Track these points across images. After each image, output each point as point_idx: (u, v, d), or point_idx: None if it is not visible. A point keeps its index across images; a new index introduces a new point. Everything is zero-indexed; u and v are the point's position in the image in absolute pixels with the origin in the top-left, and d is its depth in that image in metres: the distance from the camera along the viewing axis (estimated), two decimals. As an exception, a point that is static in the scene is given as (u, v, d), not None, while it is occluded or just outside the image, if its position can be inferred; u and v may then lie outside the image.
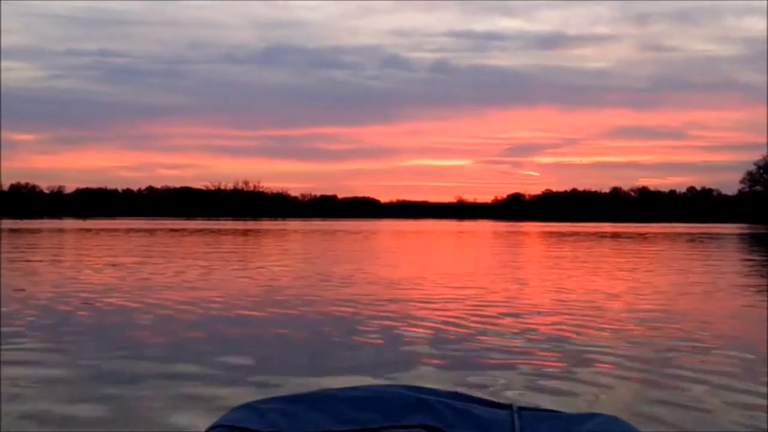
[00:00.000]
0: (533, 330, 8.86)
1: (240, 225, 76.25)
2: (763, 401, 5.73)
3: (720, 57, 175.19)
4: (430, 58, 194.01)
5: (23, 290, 12.38)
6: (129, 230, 53.32)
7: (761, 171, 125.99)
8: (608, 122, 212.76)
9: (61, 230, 52.20)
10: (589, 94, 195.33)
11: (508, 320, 9.63)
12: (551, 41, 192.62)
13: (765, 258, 26.20)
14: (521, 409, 1.09)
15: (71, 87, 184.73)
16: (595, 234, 54.30)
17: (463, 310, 10.46)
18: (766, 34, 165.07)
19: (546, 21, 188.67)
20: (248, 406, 1.11)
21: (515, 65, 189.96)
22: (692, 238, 45.85)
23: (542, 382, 6.28)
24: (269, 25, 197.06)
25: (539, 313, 10.36)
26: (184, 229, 56.32)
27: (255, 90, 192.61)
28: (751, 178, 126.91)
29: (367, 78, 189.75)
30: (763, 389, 6.08)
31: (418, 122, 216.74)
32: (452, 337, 8.26)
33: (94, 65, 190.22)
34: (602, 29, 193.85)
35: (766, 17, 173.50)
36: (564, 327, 9.04)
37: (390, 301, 11.41)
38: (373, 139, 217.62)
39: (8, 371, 6.26)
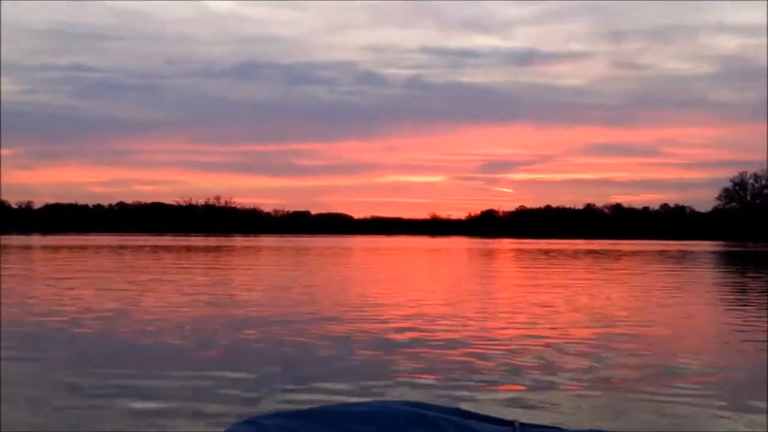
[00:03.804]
0: (526, 351, 8.20)
1: (208, 241, 74.66)
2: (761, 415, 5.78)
3: (693, 75, 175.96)
4: (405, 74, 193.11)
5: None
6: (74, 247, 51.62)
7: (737, 188, 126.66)
8: (582, 139, 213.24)
9: (7, 247, 50.38)
10: (564, 111, 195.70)
11: (499, 338, 8.77)
12: (526, 58, 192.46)
13: (748, 276, 25.47)
14: (523, 425, 1.08)
15: (44, 101, 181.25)
16: (572, 251, 53.55)
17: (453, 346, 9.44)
18: (738, 52, 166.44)
19: (521, 38, 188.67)
20: (250, 422, 1.08)
21: (490, 82, 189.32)
22: (681, 256, 45.25)
23: (542, 399, 6.30)
24: (245, 41, 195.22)
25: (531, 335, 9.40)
26: (142, 246, 54.70)
27: (230, 105, 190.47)
28: (728, 194, 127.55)
29: (343, 94, 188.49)
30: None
31: (392, 138, 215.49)
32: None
33: (68, 80, 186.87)
34: (577, 47, 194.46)
35: (738, 36, 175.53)
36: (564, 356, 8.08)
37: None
38: (347, 155, 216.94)
39: None
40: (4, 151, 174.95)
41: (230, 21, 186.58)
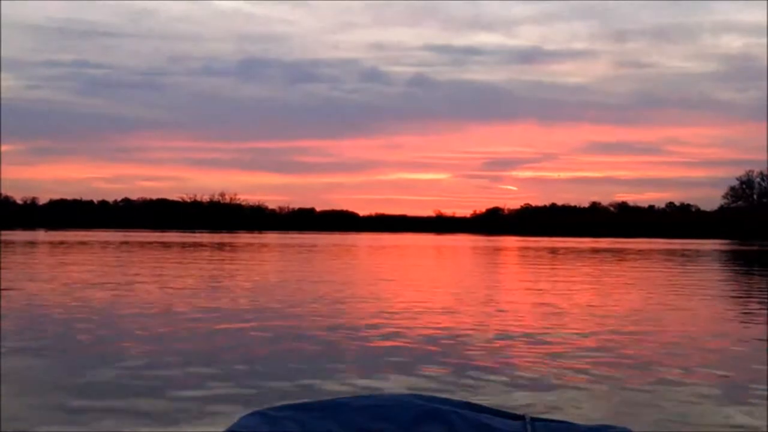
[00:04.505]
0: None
1: (211, 238, 74.71)
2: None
3: (697, 74, 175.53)
4: (408, 72, 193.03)
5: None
6: (80, 243, 51.66)
7: (744, 186, 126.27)
8: (586, 137, 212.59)
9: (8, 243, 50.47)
10: (568, 110, 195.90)
11: (515, 331, 8.67)
12: (530, 56, 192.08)
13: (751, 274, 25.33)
14: (534, 419, 1.07)
15: (48, 98, 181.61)
16: (578, 249, 53.44)
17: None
18: (741, 51, 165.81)
19: (524, 36, 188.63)
20: (259, 413, 1.08)
21: (494, 80, 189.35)
22: (688, 254, 45.12)
23: (548, 395, 6.26)
24: (248, 39, 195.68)
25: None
26: (149, 242, 54.73)
27: (233, 103, 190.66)
28: (734, 193, 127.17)
29: (346, 91, 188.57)
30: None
31: (396, 136, 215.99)
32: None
33: (71, 76, 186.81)
34: (580, 45, 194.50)
35: (742, 36, 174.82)
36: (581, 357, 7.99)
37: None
38: (351, 152, 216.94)
39: None
40: (6, 147, 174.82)
41: (234, 19, 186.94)
